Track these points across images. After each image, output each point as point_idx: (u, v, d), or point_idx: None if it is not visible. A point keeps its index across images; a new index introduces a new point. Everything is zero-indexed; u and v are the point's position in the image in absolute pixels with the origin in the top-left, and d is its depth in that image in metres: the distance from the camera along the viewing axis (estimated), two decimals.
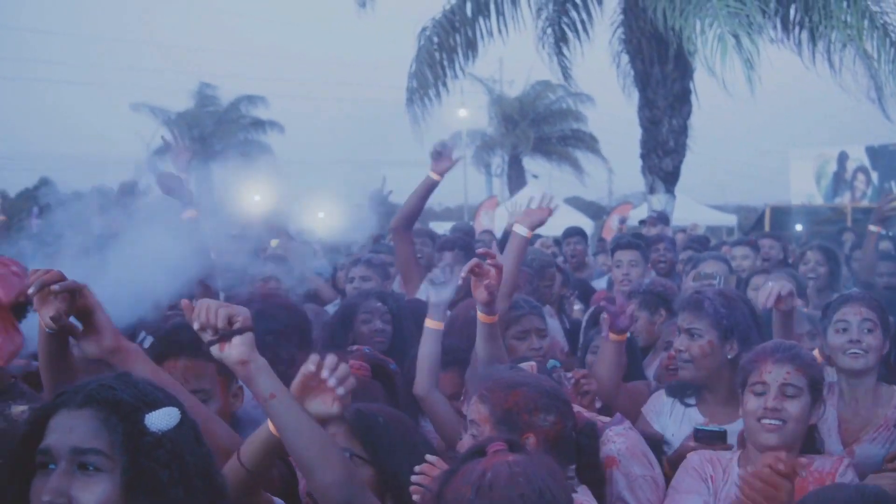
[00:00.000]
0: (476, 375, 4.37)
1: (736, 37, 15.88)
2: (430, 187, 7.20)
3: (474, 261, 4.53)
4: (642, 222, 12.55)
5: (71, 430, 2.31)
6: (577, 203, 43.61)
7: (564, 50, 19.72)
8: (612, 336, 5.29)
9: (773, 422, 3.85)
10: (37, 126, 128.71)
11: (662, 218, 12.94)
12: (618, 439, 4.05)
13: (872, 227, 8.26)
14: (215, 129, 47.08)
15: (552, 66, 20.02)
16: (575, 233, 11.58)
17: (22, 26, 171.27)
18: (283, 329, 4.83)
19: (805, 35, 17.63)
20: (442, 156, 7.05)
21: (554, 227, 11.50)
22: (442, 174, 7.09)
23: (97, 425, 2.30)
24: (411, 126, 19.59)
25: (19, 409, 3.57)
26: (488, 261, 4.53)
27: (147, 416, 2.34)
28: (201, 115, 47.29)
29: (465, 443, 3.49)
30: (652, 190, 18.83)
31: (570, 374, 5.10)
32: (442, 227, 18.45)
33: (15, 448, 2.42)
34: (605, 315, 5.35)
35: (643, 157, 18.87)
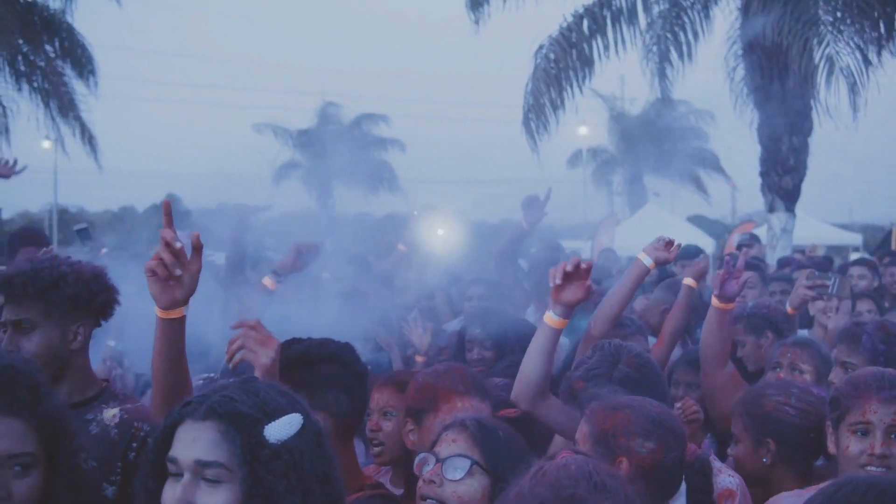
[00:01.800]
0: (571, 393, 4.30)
1: (864, 55, 15.58)
2: (519, 235, 7.58)
3: (575, 259, 4.26)
4: (739, 247, 12.40)
5: (194, 441, 2.40)
6: (699, 221, 42.89)
7: (668, 69, 19.39)
8: (717, 302, 5.19)
9: (879, 469, 3.52)
10: (163, 144, 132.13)
11: (755, 239, 12.85)
12: (735, 476, 3.89)
13: None
14: (337, 147, 47.54)
15: (654, 85, 19.73)
16: (694, 254, 11.43)
17: (150, 49, 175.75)
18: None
19: None
20: (532, 207, 7.27)
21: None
22: (532, 225, 7.42)
23: (218, 438, 2.38)
24: (528, 144, 19.57)
25: (111, 413, 3.73)
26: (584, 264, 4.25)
27: (266, 427, 2.39)
28: (323, 133, 47.86)
29: None
30: (771, 208, 18.48)
31: (678, 405, 5.02)
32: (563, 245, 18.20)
33: (150, 453, 2.53)
34: (718, 272, 5.26)
35: (762, 174, 18.56)
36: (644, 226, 26.91)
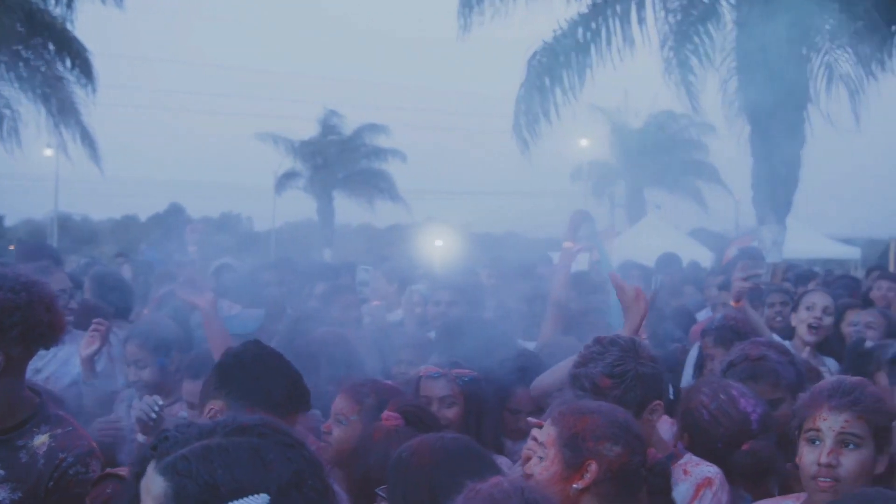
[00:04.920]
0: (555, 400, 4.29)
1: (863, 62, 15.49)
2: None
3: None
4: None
5: (147, 492, 2.09)
6: (701, 235, 42.73)
7: (691, 77, 18.88)
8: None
9: (826, 479, 3.50)
10: (166, 153, 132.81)
11: (755, 257, 12.92)
12: (713, 466, 4.06)
13: None
14: (338, 157, 47.84)
15: (680, 95, 19.15)
16: (670, 263, 11.66)
17: (153, 57, 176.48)
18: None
19: None
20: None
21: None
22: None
23: (162, 501, 2.05)
24: (520, 153, 19.38)
25: (41, 441, 3.65)
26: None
27: None
28: (324, 143, 48.13)
29: (534, 464, 3.46)
30: (762, 220, 18.36)
31: None
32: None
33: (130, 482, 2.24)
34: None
35: (754, 186, 18.47)
36: (643, 238, 26.76)
